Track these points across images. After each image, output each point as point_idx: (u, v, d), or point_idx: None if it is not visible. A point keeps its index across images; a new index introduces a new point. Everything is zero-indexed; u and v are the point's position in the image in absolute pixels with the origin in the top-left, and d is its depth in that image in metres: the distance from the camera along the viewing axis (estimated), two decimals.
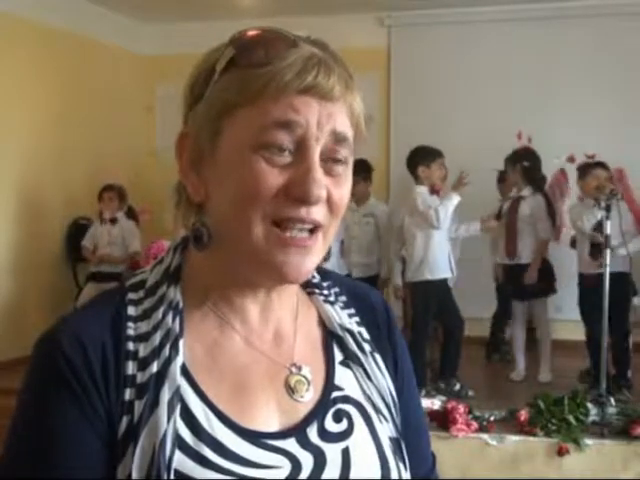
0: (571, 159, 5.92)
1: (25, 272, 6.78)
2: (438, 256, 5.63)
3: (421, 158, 5.72)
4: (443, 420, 3.90)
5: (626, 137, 7.18)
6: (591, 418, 3.95)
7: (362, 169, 6.23)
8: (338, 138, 0.87)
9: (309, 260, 0.87)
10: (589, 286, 5.50)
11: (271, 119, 0.84)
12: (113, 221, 6.99)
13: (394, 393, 0.98)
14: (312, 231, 0.87)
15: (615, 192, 4.87)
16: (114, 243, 6.94)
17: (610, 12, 7.35)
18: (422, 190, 5.68)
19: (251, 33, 0.88)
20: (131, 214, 7.18)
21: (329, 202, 0.88)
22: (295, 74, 0.84)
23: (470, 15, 7.68)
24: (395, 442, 0.95)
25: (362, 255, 6.46)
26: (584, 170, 5.73)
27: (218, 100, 0.87)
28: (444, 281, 5.70)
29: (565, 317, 6.69)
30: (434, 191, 5.73)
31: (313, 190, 0.84)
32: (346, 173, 0.90)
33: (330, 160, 0.87)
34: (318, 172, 0.85)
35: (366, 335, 1.00)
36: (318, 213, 0.86)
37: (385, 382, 0.98)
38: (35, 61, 6.89)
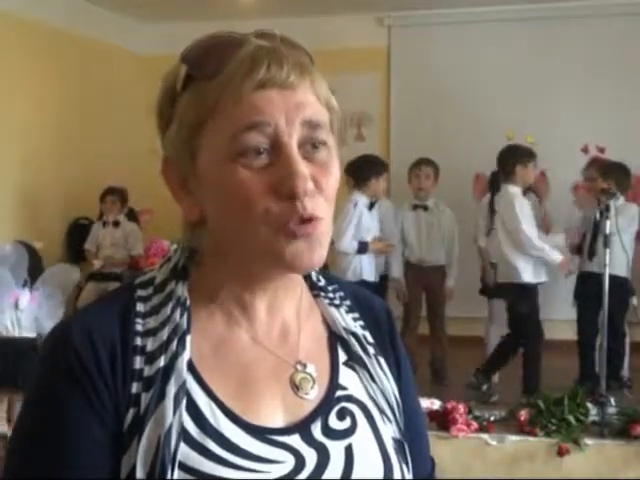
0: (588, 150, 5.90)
1: None
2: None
3: (519, 157, 5.45)
4: (443, 420, 3.89)
5: (626, 136, 7.18)
6: (591, 418, 3.94)
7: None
8: (312, 125, 0.87)
9: (318, 247, 0.87)
10: (588, 285, 5.53)
11: (237, 125, 0.85)
12: (116, 224, 7.01)
13: (398, 396, 0.99)
14: (310, 220, 0.86)
15: (613, 192, 4.86)
16: (117, 245, 6.98)
17: (609, 12, 7.37)
18: (515, 191, 5.44)
19: (199, 45, 0.89)
20: (132, 216, 7.19)
21: (320, 189, 0.87)
22: (246, 73, 0.85)
23: (470, 15, 7.69)
24: (398, 443, 0.96)
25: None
26: None
27: (185, 120, 0.88)
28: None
29: (557, 317, 6.69)
30: (530, 190, 5.56)
31: (299, 184, 0.84)
32: (329, 155, 0.89)
33: (310, 146, 0.87)
34: (299, 165, 0.85)
35: (370, 339, 1.00)
36: (314, 206, 0.86)
37: (389, 385, 0.98)
38: (35, 61, 6.88)
